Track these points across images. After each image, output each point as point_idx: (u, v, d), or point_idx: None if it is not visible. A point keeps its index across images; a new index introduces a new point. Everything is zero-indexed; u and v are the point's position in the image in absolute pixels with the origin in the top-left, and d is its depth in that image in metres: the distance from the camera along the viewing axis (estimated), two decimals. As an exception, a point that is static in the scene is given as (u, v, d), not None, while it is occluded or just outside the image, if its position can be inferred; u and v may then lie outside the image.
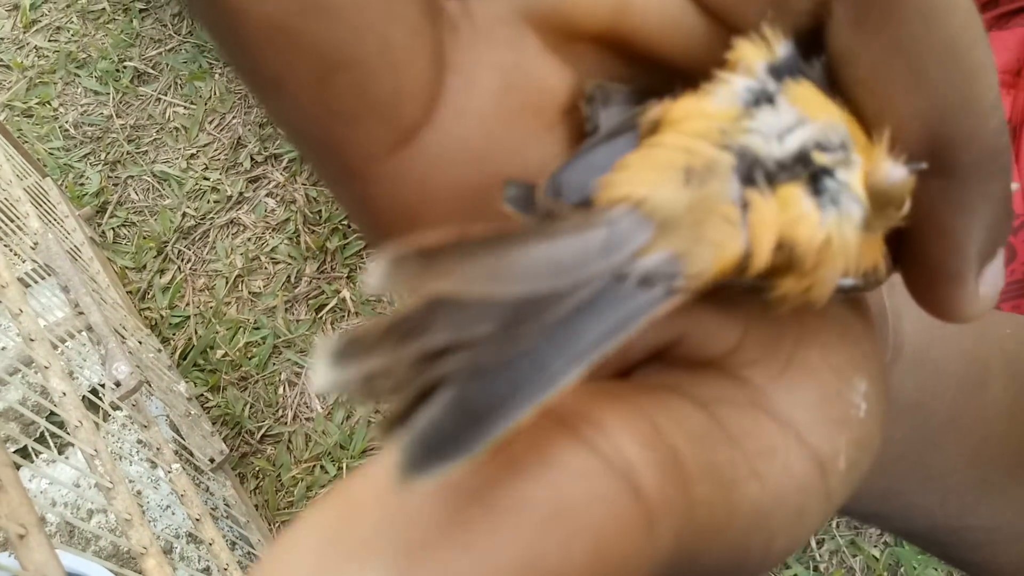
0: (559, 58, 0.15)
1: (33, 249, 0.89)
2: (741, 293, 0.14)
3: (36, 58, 1.62)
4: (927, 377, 0.25)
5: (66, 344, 0.94)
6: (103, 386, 0.81)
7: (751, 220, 0.13)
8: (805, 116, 0.14)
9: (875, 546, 1.11)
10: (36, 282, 0.92)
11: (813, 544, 1.11)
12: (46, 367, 0.61)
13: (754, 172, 0.13)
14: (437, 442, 0.10)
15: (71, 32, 1.64)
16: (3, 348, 1.07)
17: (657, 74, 0.15)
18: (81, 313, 0.84)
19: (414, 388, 0.10)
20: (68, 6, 1.68)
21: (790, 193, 0.13)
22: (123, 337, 0.95)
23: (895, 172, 0.13)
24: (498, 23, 0.14)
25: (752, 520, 0.14)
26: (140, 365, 0.92)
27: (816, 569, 1.10)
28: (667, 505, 0.12)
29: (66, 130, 1.52)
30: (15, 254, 0.92)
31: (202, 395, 1.25)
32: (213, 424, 1.19)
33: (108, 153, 1.49)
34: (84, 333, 0.86)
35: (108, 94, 1.56)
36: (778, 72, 0.14)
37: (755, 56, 0.14)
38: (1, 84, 1.59)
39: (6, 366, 0.77)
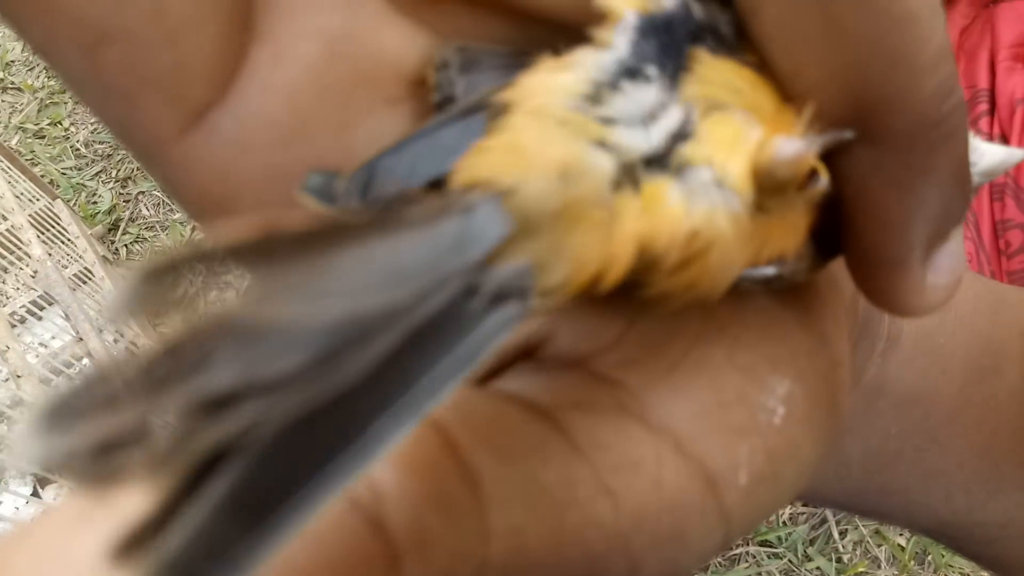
0: (411, 21, 0.13)
1: (33, 278, 0.90)
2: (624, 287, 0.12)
3: (46, 79, 1.64)
4: (930, 366, 0.23)
5: (76, 367, 0.95)
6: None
7: (616, 229, 0.11)
8: (670, 96, 0.11)
9: (900, 534, 1.08)
10: (43, 308, 0.93)
11: (836, 535, 1.08)
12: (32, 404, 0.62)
13: (625, 172, 0.11)
14: (199, 565, 0.07)
15: (78, 51, 1.67)
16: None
17: (546, 34, 0.13)
18: (81, 340, 0.85)
19: (180, 467, 0.07)
20: (75, 24, 1.70)
21: (656, 189, 0.11)
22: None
23: (786, 147, 0.11)
24: None
25: (602, 545, 0.12)
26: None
27: (840, 560, 1.07)
28: (426, 539, 0.10)
29: (77, 149, 1.54)
30: (17, 284, 0.93)
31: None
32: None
33: (119, 170, 1.51)
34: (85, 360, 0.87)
35: (116, 111, 1.58)
36: (661, 28, 0.12)
37: (628, 4, 0.12)
38: (13, 106, 1.62)
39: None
